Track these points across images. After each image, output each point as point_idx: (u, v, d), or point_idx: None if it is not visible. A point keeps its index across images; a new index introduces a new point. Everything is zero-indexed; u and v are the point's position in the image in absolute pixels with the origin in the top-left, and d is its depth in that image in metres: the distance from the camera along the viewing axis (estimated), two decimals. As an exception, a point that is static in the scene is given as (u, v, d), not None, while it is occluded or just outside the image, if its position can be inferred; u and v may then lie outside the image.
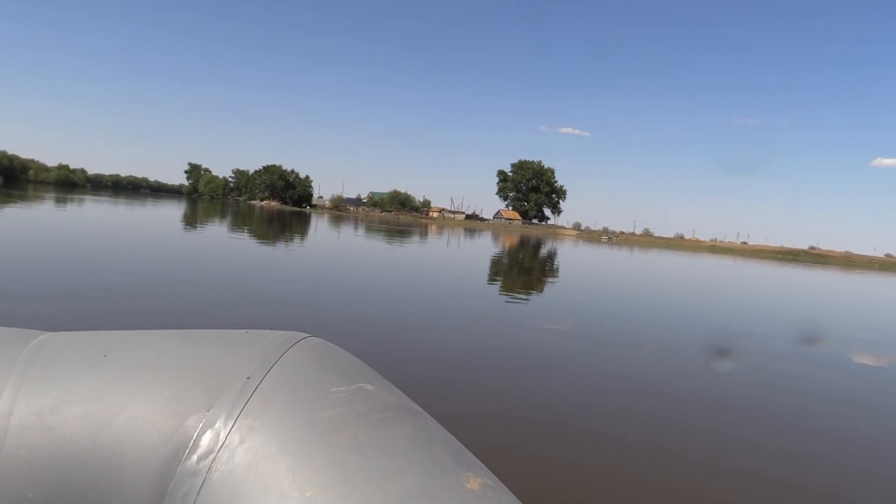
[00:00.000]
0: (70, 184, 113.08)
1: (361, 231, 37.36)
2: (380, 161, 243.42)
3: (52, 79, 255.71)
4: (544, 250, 37.45)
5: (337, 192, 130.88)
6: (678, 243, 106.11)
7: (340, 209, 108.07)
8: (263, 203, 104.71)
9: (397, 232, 39.57)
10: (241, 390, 0.49)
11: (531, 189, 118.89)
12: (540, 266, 23.05)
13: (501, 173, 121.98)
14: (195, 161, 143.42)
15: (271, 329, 0.59)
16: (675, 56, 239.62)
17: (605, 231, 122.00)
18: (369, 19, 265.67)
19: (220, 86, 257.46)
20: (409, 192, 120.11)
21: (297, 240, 23.53)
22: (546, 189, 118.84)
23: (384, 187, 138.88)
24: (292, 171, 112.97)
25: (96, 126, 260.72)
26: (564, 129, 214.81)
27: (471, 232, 63.14)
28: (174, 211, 40.18)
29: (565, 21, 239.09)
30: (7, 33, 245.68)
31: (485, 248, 33.82)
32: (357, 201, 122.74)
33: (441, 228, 64.92)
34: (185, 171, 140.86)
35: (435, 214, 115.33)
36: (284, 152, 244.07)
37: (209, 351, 0.55)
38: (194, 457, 0.46)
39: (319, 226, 40.67)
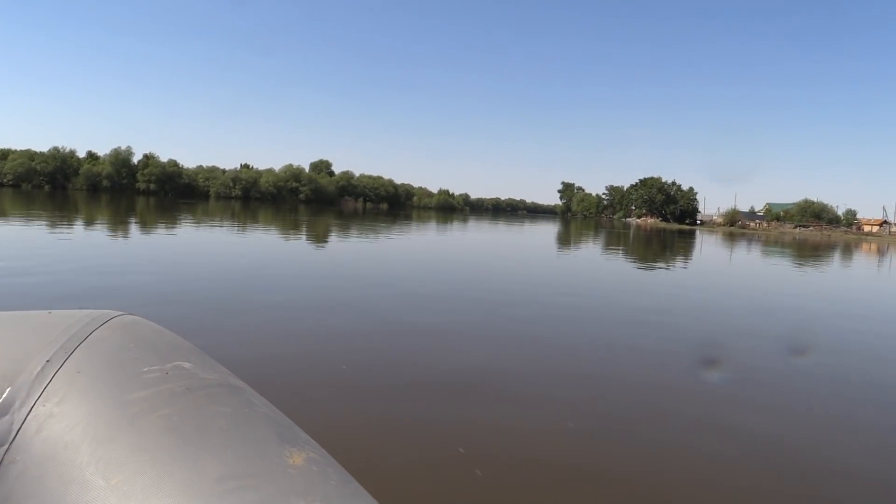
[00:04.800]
0: (449, 207, 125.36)
1: (808, 260, 26.21)
2: (778, 166, 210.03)
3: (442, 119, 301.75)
4: None
5: (727, 205, 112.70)
6: None
7: (738, 225, 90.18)
8: (640, 221, 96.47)
9: (845, 253, 26.75)
10: (39, 374, 0.45)
11: None
12: None
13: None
14: (568, 180, 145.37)
15: (82, 308, 0.54)
16: None
17: None
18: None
19: (592, 108, 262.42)
20: (821, 201, 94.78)
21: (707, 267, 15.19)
22: None
23: (783, 198, 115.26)
24: (673, 184, 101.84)
25: (478, 157, 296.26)
26: None
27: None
28: (548, 230, 36.57)
29: None
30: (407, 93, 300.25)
31: None
32: (750, 215, 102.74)
33: (885, 248, 46.33)
34: (559, 191, 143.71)
35: (875, 228, 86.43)
36: (661, 165, 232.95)
37: (4, 334, 0.50)
38: None
39: (733, 250, 30.86)
